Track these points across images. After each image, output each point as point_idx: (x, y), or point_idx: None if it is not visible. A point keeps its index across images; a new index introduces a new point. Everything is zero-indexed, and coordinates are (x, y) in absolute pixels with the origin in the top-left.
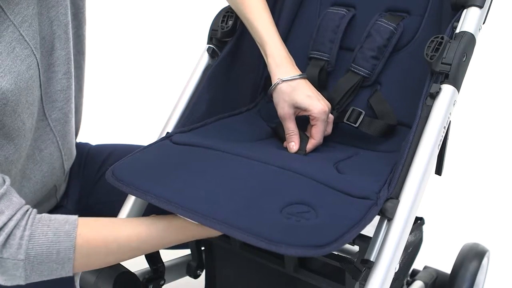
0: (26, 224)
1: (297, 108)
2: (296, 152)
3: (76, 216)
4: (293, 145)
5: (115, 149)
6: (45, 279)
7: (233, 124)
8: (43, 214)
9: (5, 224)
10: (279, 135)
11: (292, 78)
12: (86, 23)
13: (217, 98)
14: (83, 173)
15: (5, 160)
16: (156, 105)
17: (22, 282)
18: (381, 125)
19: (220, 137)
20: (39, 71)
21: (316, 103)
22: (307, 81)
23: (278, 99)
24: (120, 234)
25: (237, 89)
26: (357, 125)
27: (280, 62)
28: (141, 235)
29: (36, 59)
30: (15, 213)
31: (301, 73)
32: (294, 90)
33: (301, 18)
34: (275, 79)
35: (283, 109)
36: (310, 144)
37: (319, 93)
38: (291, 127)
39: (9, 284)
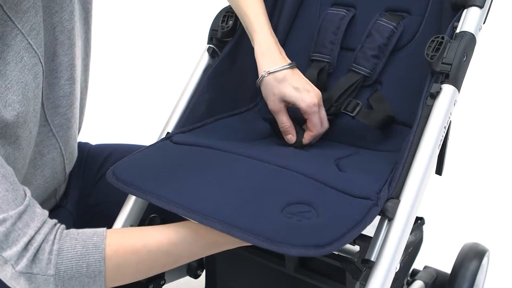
0: (54, 238)
1: (286, 101)
2: (292, 145)
3: (104, 228)
4: (291, 137)
5: (115, 149)
6: None
7: (233, 124)
8: (71, 229)
9: (32, 237)
10: (275, 129)
11: (279, 69)
12: (92, 24)
13: (217, 98)
14: (83, 173)
15: (14, 168)
16: (156, 105)
17: None
18: (379, 116)
19: (221, 137)
20: (43, 78)
21: (304, 96)
22: (295, 70)
23: (267, 92)
24: (150, 239)
25: (237, 89)
26: (354, 114)
27: (266, 50)
28: (171, 238)
29: (42, 67)
30: (41, 225)
31: (289, 62)
32: (281, 82)
33: (301, 19)
34: (261, 70)
35: (273, 102)
36: (308, 136)
37: (308, 82)
38: (283, 120)
39: None
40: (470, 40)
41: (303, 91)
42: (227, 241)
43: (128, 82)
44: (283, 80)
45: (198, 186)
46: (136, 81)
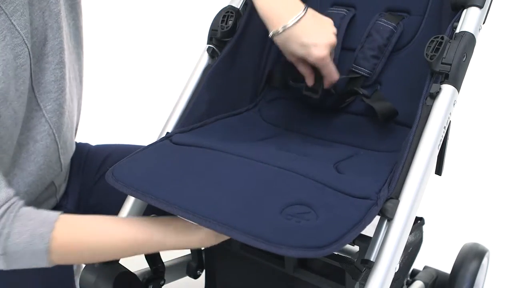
0: (6, 221)
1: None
2: (312, 86)
3: (57, 216)
4: (310, 80)
5: (115, 149)
6: (26, 267)
7: (233, 124)
8: (26, 210)
9: None
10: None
11: (282, 30)
12: (82, 14)
13: (217, 98)
14: (83, 173)
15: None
16: (156, 105)
17: (4, 268)
18: (388, 106)
19: (220, 137)
20: (30, 60)
21: (311, 52)
22: (302, 22)
23: (280, 48)
24: (103, 236)
25: (237, 89)
26: (368, 94)
27: (266, 12)
28: (125, 238)
29: (28, 49)
30: None
31: (296, 15)
32: (287, 41)
33: None
34: (269, 33)
35: (287, 56)
36: (327, 82)
37: (317, 30)
38: (301, 69)
39: None
40: (469, 40)
41: (309, 47)
42: (176, 245)
43: (128, 82)
44: (288, 38)
45: (197, 188)
46: (136, 81)
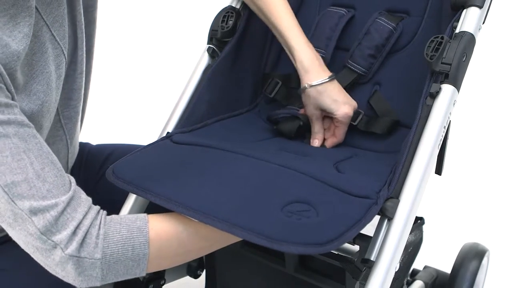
0: (100, 223)
1: (322, 110)
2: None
3: (144, 214)
4: (317, 142)
5: (115, 149)
6: (121, 279)
7: (233, 124)
8: (113, 215)
9: (80, 222)
10: (282, 130)
11: (319, 83)
12: (96, 22)
13: (217, 99)
14: (84, 173)
15: None
16: (156, 105)
17: (98, 284)
18: (384, 122)
19: (221, 137)
20: (65, 69)
21: (341, 108)
22: (334, 82)
23: (306, 102)
24: (188, 224)
25: (237, 90)
26: (356, 123)
27: (308, 67)
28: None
29: (65, 59)
30: (88, 210)
31: (330, 74)
32: (320, 94)
33: (300, 18)
34: (303, 83)
35: (310, 111)
36: (331, 142)
37: (346, 94)
38: (316, 127)
39: (84, 285)
40: (469, 40)
41: (340, 104)
42: None
43: (128, 82)
44: (323, 92)
45: (198, 185)
46: (136, 81)
